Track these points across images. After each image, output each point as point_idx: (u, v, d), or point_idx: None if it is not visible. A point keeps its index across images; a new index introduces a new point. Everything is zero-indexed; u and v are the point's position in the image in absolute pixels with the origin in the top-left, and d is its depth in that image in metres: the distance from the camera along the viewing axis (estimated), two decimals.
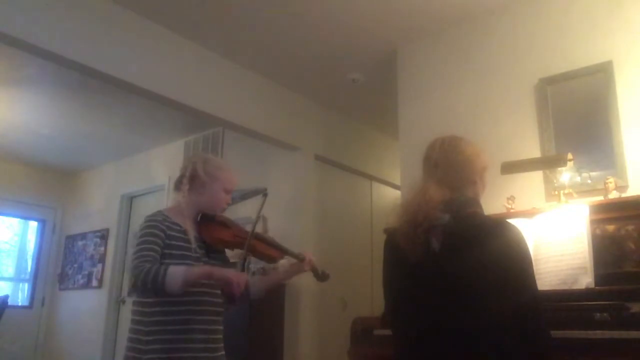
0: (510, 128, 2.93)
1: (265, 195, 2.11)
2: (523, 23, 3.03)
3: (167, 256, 1.77)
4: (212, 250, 1.93)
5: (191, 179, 1.93)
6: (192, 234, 1.86)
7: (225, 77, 3.82)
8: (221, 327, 1.90)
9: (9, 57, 3.62)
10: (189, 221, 1.89)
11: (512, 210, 2.54)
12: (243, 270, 1.88)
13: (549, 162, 2.58)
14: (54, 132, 5.15)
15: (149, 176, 5.56)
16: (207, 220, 1.96)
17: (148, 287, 1.64)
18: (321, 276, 2.09)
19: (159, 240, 1.76)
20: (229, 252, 2.08)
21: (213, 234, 1.92)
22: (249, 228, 1.98)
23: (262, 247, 2.00)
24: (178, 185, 1.97)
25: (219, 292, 1.88)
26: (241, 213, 3.58)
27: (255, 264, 3.75)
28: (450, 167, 1.52)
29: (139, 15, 3.29)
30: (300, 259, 2.03)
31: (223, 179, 1.96)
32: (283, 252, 2.06)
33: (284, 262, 2.23)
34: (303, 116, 4.41)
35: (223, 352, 1.88)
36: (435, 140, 1.59)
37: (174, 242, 1.80)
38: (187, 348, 1.75)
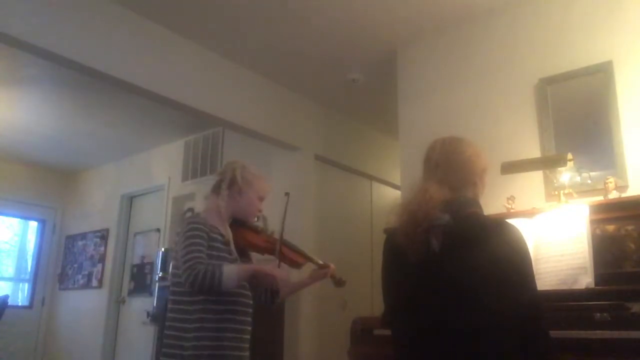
0: (510, 128, 2.93)
1: (287, 195, 2.20)
2: (523, 23, 3.03)
3: (209, 257, 1.85)
4: (242, 254, 2.03)
5: (230, 184, 2.01)
6: (230, 238, 1.97)
7: (225, 77, 3.82)
8: (249, 328, 1.98)
9: (9, 57, 3.62)
10: (226, 225, 1.99)
11: (512, 210, 2.54)
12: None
13: (549, 162, 2.58)
14: (54, 132, 5.16)
15: (149, 176, 5.56)
16: (239, 226, 2.05)
17: (206, 287, 1.74)
18: (339, 282, 2.20)
19: (204, 242, 1.85)
20: (258, 257, 2.18)
21: (246, 238, 2.03)
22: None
23: (289, 253, 2.12)
24: (217, 190, 2.04)
25: (250, 294, 1.99)
26: None
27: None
28: (450, 168, 1.52)
29: (139, 15, 3.29)
30: (324, 267, 2.15)
31: (258, 186, 2.06)
32: (307, 259, 2.17)
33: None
34: (303, 116, 4.41)
35: (248, 354, 1.96)
36: (436, 141, 1.60)
37: (214, 244, 1.89)
38: (225, 346, 1.84)
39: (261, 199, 2.08)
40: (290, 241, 2.19)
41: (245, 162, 2.13)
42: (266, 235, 2.12)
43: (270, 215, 4.17)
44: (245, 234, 2.04)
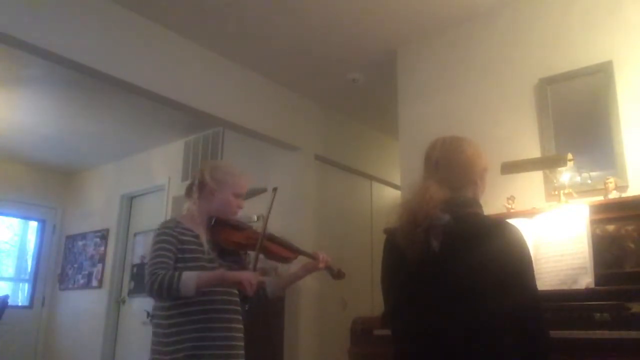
0: (510, 128, 2.93)
1: (275, 190, 2.13)
2: (523, 23, 3.03)
3: (181, 260, 1.84)
4: (227, 253, 1.99)
5: (200, 186, 1.99)
6: (204, 238, 1.92)
7: (225, 77, 3.82)
8: (241, 326, 1.95)
9: (10, 57, 3.62)
10: (201, 227, 1.95)
11: (512, 210, 2.54)
12: (255, 270, 1.92)
13: (549, 162, 2.58)
14: (54, 132, 5.16)
15: (149, 176, 5.56)
16: (220, 224, 2.01)
17: (164, 293, 1.71)
18: (337, 274, 2.11)
19: (171, 246, 1.83)
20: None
21: (227, 237, 1.98)
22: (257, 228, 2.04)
23: (275, 248, 2.06)
24: (188, 193, 2.03)
25: (235, 291, 1.96)
26: (242, 212, 3.57)
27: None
28: (451, 167, 1.52)
29: (139, 15, 3.29)
30: (313, 258, 2.07)
31: (231, 183, 2.02)
32: (296, 252, 2.11)
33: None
34: (303, 116, 4.41)
35: (243, 352, 1.93)
36: (437, 140, 1.59)
37: (186, 247, 1.86)
38: (209, 346, 1.81)
39: (237, 195, 2.03)
40: (277, 235, 2.13)
41: (216, 162, 2.11)
42: (249, 232, 2.04)
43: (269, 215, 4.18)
44: (226, 233, 1.98)
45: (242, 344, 1.93)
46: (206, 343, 1.80)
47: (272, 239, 2.07)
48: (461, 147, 1.55)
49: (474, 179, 1.53)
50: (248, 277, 1.78)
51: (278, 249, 2.06)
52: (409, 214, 1.44)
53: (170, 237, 1.84)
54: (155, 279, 1.71)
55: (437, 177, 1.50)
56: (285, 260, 2.12)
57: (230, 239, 1.97)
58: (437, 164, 1.53)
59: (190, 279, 1.71)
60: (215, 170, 2.02)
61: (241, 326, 1.94)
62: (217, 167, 2.06)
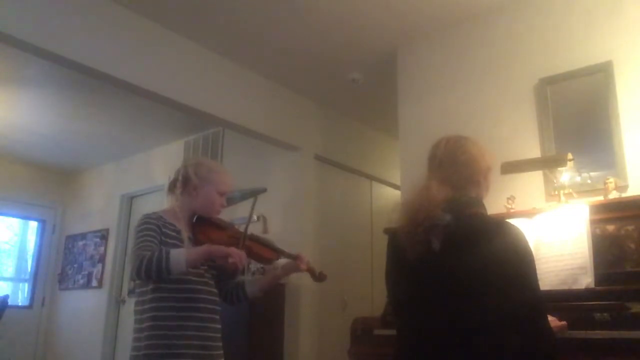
0: (510, 128, 2.93)
1: (256, 197, 2.11)
2: (523, 23, 3.03)
3: None
4: None
5: (184, 182, 1.95)
6: (185, 234, 1.88)
7: (225, 77, 3.82)
8: (219, 326, 1.90)
9: (9, 57, 3.62)
10: (183, 223, 1.91)
11: (512, 210, 2.54)
12: (243, 271, 1.88)
13: (549, 162, 2.58)
14: (54, 132, 5.16)
15: (149, 176, 5.56)
16: (202, 222, 1.97)
17: (152, 273, 1.65)
18: (318, 277, 2.09)
19: (155, 234, 1.79)
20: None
21: (208, 235, 1.93)
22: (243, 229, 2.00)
23: (257, 248, 2.02)
24: (171, 189, 1.98)
25: (215, 290, 1.92)
26: (241, 213, 3.57)
27: (255, 263, 3.75)
28: (454, 166, 1.52)
29: (139, 15, 3.30)
30: (295, 258, 2.04)
31: (216, 181, 1.97)
32: (278, 253, 2.07)
33: (282, 262, 2.24)
34: (303, 116, 4.41)
35: (222, 352, 1.88)
36: (441, 139, 1.59)
37: (168, 240, 1.82)
38: (183, 345, 1.75)
39: (221, 193, 1.97)
40: (259, 235, 2.11)
41: (201, 158, 2.06)
42: (231, 231, 2.00)
43: (269, 214, 4.19)
44: (207, 231, 1.94)
45: (219, 344, 1.88)
46: (181, 342, 1.75)
47: (254, 239, 2.04)
48: (465, 146, 1.55)
49: (477, 178, 1.53)
50: (235, 250, 1.73)
51: (260, 249, 2.03)
52: (411, 213, 1.44)
53: (154, 226, 1.81)
54: (142, 259, 1.65)
55: (440, 176, 1.50)
56: (267, 260, 2.08)
57: (210, 237, 1.92)
58: (440, 163, 1.54)
59: (179, 254, 1.67)
60: (199, 167, 1.98)
61: (219, 326, 1.90)
62: (201, 163, 2.02)
